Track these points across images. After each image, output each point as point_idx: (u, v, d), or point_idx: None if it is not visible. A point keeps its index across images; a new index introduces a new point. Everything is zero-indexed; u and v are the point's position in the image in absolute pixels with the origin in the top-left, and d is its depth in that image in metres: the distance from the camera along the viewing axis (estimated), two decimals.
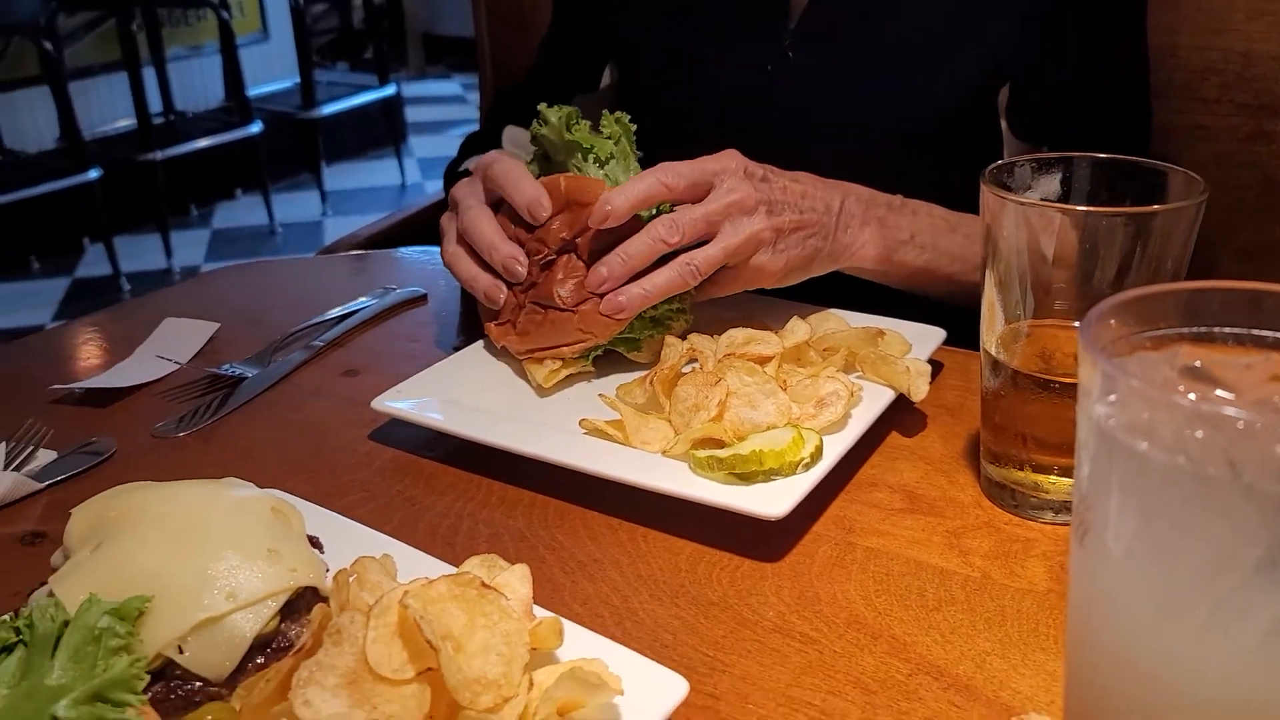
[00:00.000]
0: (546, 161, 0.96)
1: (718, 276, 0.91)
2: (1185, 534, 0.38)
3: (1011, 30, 1.06)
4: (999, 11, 1.06)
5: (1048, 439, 0.73)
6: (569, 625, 0.59)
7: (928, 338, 0.91)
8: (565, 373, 0.90)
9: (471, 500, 0.79)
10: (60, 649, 0.50)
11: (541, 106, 0.94)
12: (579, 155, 0.93)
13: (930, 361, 0.86)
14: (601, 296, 0.88)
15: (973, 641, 0.63)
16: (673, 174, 0.88)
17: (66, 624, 0.52)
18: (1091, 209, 0.66)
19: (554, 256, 0.90)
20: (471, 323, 1.09)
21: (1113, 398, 0.41)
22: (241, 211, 5.08)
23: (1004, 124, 1.10)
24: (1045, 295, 0.72)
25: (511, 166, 0.92)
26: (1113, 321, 0.43)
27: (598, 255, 0.89)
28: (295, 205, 5.11)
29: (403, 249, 1.36)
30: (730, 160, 0.90)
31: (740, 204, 0.88)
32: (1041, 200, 0.68)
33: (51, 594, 0.56)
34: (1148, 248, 0.66)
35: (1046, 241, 0.67)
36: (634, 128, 0.97)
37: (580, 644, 0.58)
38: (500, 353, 0.95)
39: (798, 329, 0.87)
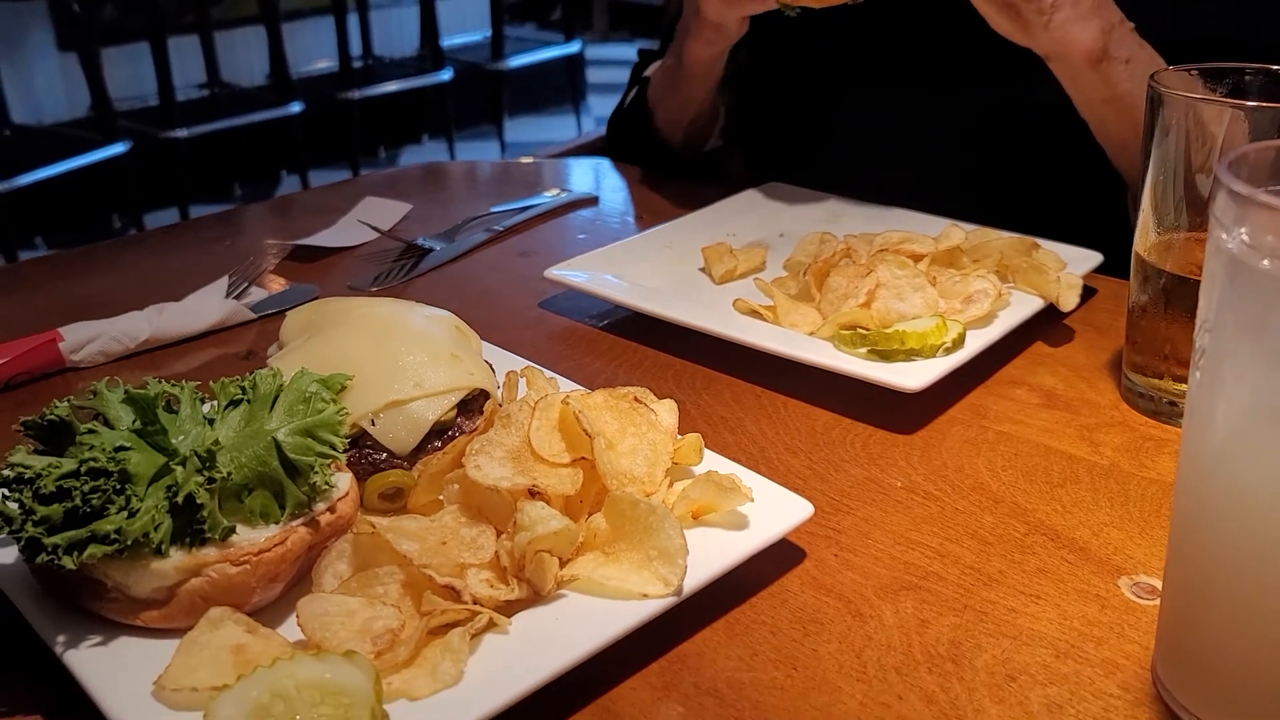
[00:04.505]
0: None
1: None
2: None
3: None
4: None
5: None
6: (709, 454, 0.65)
7: (1084, 259, 0.92)
8: (740, 269, 0.96)
9: (626, 363, 0.86)
10: (277, 405, 0.59)
11: None
12: None
13: (1085, 287, 0.87)
14: None
15: (1092, 514, 0.65)
16: None
17: (282, 389, 0.61)
18: (1262, 104, 0.66)
19: None
20: (637, 220, 1.16)
21: (1244, 229, 0.44)
22: (426, 155, 5.33)
23: None
24: (1202, 206, 0.72)
25: None
26: (1253, 164, 0.46)
27: None
28: (475, 153, 5.33)
29: (581, 157, 1.44)
30: None
31: None
32: (1210, 96, 0.69)
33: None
34: None
35: (1211, 140, 0.68)
36: None
37: (718, 468, 0.64)
38: (661, 242, 1.01)
39: (953, 234, 0.90)
